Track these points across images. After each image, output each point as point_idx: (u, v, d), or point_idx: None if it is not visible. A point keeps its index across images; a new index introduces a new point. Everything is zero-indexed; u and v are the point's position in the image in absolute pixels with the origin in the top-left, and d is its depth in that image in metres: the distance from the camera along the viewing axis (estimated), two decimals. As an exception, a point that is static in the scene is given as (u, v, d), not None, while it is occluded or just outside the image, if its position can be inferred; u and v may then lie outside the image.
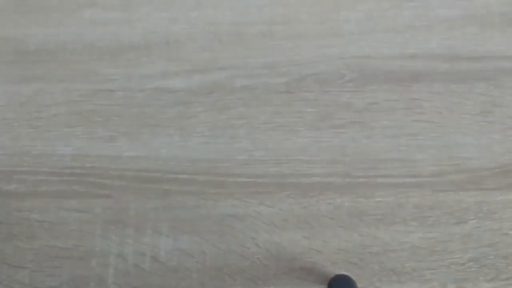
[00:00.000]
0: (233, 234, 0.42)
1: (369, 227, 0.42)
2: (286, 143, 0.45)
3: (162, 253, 0.42)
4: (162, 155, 0.44)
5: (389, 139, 0.45)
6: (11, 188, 0.43)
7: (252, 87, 0.46)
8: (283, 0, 0.51)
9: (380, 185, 0.44)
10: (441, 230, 0.42)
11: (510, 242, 0.42)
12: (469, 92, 0.47)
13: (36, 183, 0.43)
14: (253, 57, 0.47)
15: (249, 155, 0.44)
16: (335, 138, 0.45)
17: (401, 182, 0.44)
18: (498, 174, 0.44)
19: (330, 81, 0.47)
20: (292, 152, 0.44)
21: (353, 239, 0.42)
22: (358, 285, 0.39)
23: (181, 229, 0.42)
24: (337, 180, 0.44)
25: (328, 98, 0.47)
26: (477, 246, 0.42)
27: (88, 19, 0.50)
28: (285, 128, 0.45)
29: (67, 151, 0.44)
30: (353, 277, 0.39)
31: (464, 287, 0.41)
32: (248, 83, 0.47)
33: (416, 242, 0.42)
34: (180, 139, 0.45)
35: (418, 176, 0.44)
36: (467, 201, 0.43)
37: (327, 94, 0.47)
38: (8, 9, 0.50)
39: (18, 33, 0.49)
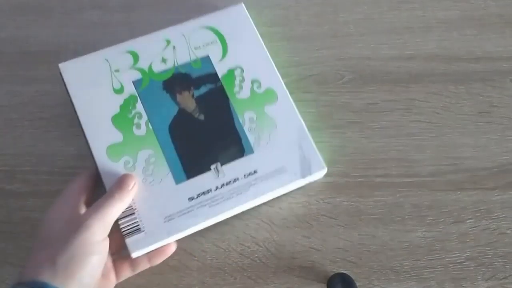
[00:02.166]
0: (233, 233, 0.42)
1: (367, 226, 0.42)
2: (285, 143, 0.45)
3: (163, 252, 0.42)
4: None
5: (388, 139, 0.45)
6: (13, 188, 0.43)
7: (252, 87, 0.47)
8: (282, 2, 0.51)
9: (378, 185, 0.44)
10: (439, 229, 0.42)
11: (508, 241, 0.42)
12: (466, 93, 0.47)
13: (38, 182, 0.44)
14: (253, 58, 0.48)
15: (249, 155, 0.44)
16: (334, 138, 0.45)
17: (400, 182, 0.44)
18: (496, 174, 0.44)
19: (329, 82, 0.48)
20: (292, 152, 0.44)
21: (352, 238, 0.42)
22: (357, 283, 0.39)
23: (181, 228, 0.42)
24: (336, 179, 0.44)
25: (327, 98, 0.47)
26: (475, 245, 0.42)
27: (90, 20, 0.50)
28: (285, 128, 0.45)
29: (69, 151, 0.45)
30: (352, 276, 0.40)
31: (461, 285, 0.41)
32: (248, 83, 0.47)
33: (415, 241, 0.42)
34: (181, 139, 0.45)
35: (416, 176, 0.44)
36: (465, 200, 0.43)
37: (326, 94, 0.47)
38: (10, 10, 0.51)
39: (20, 34, 0.49)
